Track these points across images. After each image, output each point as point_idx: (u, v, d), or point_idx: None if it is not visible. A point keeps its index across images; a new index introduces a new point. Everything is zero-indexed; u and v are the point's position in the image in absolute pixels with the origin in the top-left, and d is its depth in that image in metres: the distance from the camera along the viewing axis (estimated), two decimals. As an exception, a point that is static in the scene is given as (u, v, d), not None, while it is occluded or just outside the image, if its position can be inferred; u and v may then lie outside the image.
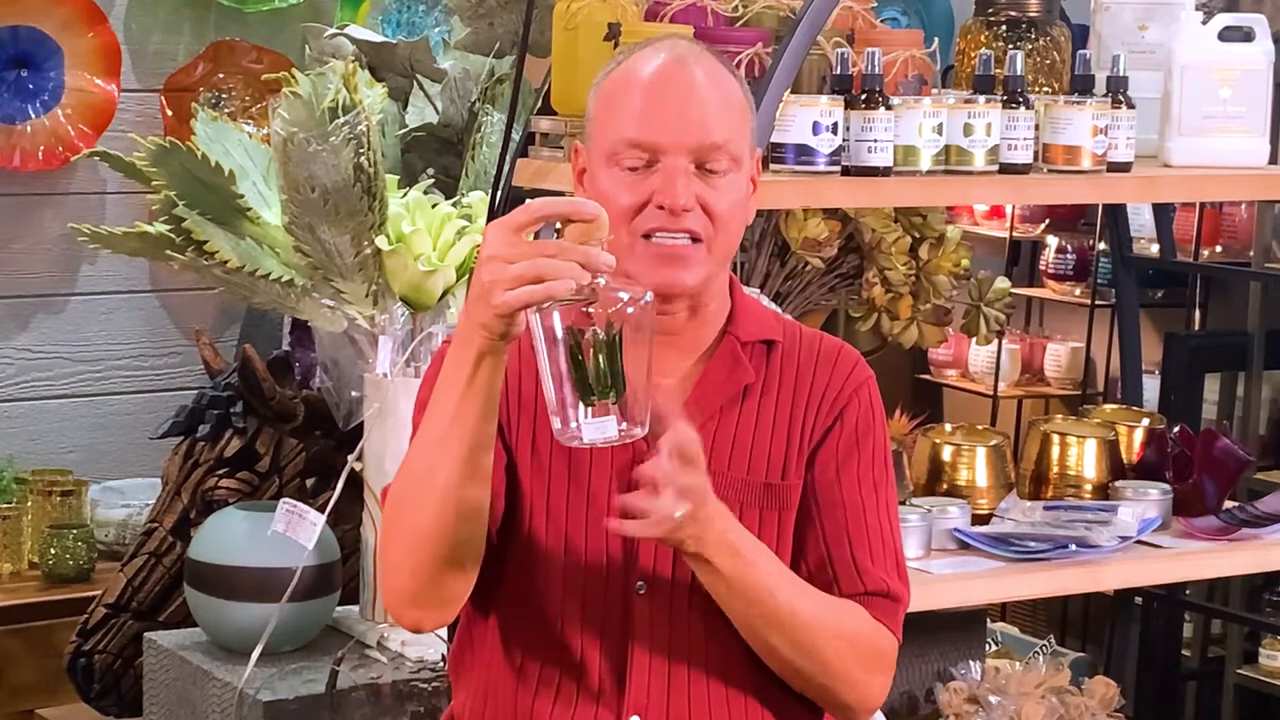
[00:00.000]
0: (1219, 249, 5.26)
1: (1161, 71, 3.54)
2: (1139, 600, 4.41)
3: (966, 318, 3.83)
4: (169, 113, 4.81)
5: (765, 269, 3.57)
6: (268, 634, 3.25)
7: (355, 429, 3.46)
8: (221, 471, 3.60)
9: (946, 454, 3.47)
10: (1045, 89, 3.54)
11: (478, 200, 3.45)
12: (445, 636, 3.13)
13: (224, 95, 4.86)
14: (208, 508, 3.55)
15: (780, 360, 2.32)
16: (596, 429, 2.06)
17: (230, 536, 3.36)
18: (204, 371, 3.82)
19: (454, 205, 3.47)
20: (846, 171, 3.09)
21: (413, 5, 4.78)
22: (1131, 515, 3.38)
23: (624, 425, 2.07)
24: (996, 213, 5.79)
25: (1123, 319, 4.28)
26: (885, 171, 3.11)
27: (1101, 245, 5.42)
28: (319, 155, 3.28)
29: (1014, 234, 5.80)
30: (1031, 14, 3.60)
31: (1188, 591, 4.70)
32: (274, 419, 3.63)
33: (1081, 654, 4.39)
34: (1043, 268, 5.79)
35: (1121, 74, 3.35)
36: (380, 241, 3.33)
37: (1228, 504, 3.56)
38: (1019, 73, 3.25)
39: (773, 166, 3.06)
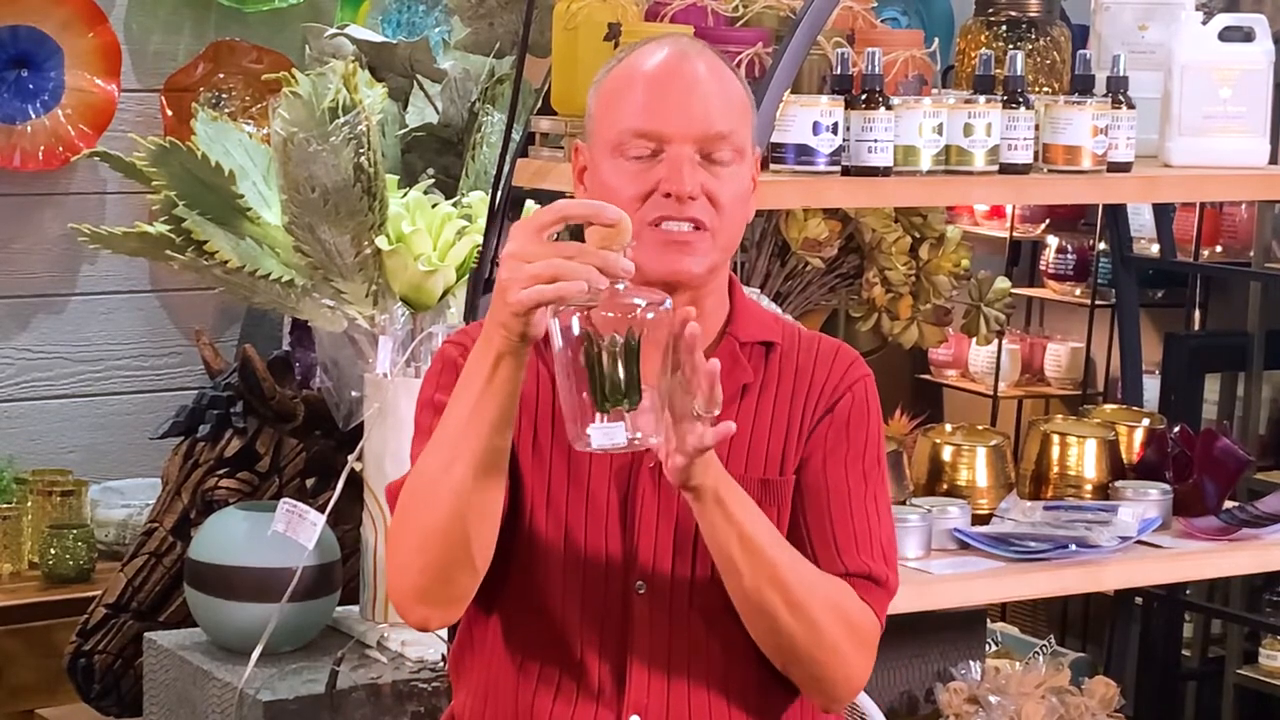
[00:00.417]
0: (1219, 249, 5.25)
1: (1161, 71, 3.54)
2: (1139, 600, 4.41)
3: (967, 318, 3.83)
4: (169, 113, 4.81)
5: (765, 269, 3.57)
6: (268, 634, 3.25)
7: (355, 429, 3.46)
8: (221, 471, 3.60)
9: (947, 454, 3.47)
10: (1045, 89, 3.54)
11: (478, 200, 3.45)
12: (445, 636, 3.12)
13: (224, 95, 4.86)
14: (208, 508, 3.55)
15: (779, 361, 2.32)
16: (606, 435, 2.05)
17: (230, 536, 3.36)
18: (204, 371, 3.82)
19: (454, 205, 3.47)
20: (847, 171, 3.09)
21: (413, 5, 4.78)
22: (1131, 515, 3.37)
23: (635, 434, 2.05)
24: (997, 213, 5.78)
25: (1123, 319, 4.28)
26: (885, 171, 3.10)
27: (1101, 245, 5.41)
28: (319, 155, 3.28)
29: (1014, 234, 5.79)
30: (1032, 14, 3.59)
31: (1188, 591, 4.70)
32: (274, 419, 3.63)
33: (1081, 654, 4.39)
34: (1043, 268, 5.78)
35: (1121, 74, 3.34)
36: (380, 241, 3.33)
37: (1228, 504, 3.56)
38: (1019, 73, 3.25)
39: (773, 166, 3.06)
